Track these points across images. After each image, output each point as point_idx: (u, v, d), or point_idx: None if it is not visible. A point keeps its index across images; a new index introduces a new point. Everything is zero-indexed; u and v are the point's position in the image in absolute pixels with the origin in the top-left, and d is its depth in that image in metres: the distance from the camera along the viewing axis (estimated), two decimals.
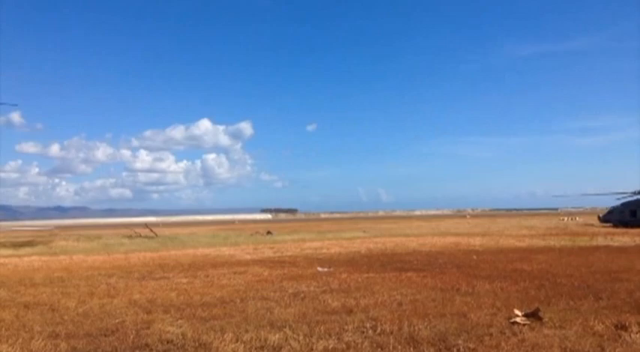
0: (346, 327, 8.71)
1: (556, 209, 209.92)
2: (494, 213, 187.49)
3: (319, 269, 17.02)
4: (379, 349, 7.44)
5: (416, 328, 8.50)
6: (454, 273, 15.25)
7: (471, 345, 7.47)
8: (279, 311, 10.25)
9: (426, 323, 8.80)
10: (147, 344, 8.01)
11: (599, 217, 57.45)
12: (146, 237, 45.90)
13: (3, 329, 9.15)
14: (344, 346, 7.63)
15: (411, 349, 7.38)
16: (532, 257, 19.80)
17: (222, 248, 29.58)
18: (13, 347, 7.78)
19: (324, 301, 11.24)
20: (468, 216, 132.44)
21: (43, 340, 8.20)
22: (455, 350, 7.29)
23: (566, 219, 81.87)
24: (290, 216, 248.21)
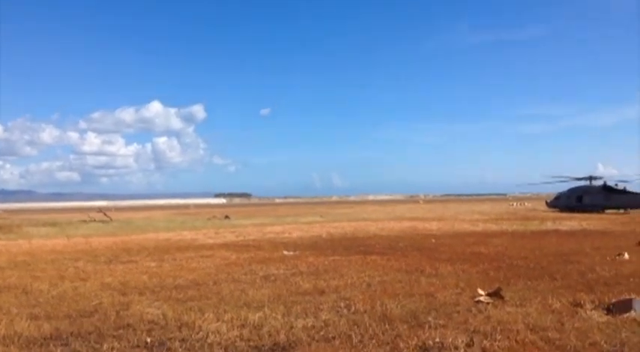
0: (321, 307, 9.11)
1: (504, 194, 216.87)
2: (446, 199, 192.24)
3: (285, 252, 17.38)
4: (355, 326, 7.85)
5: (387, 307, 8.97)
6: (416, 256, 15.88)
7: (441, 322, 7.98)
8: (253, 292, 10.55)
9: (396, 303, 9.28)
10: (129, 324, 8.20)
11: (546, 202, 59.89)
12: (101, 221, 45.14)
13: None
14: (322, 324, 8.02)
15: (386, 326, 7.82)
16: (488, 240, 20.72)
17: (183, 232, 29.54)
18: None
19: (295, 283, 11.60)
20: (421, 201, 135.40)
21: (24, 321, 8.27)
22: (427, 326, 7.77)
23: (515, 204, 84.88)
24: (245, 201, 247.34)
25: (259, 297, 10.04)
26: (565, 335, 7.08)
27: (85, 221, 43.32)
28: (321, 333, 7.53)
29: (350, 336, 7.32)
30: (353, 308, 8.97)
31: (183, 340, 7.33)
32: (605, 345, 6.61)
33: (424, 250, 17.57)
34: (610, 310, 8.34)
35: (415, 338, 7.08)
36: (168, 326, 8.08)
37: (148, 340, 7.36)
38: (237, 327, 7.90)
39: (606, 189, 51.86)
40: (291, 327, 7.83)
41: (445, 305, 9.10)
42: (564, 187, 57.48)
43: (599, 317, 8.08)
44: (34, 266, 14.68)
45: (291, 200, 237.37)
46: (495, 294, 9.65)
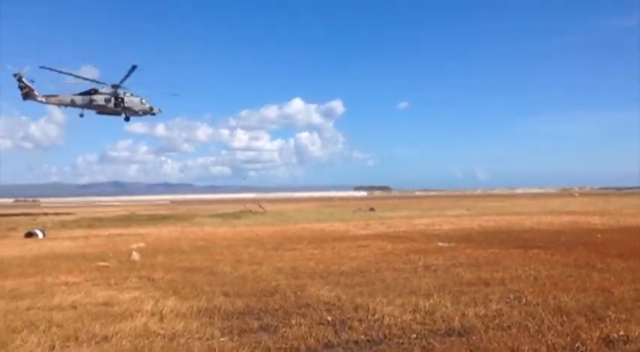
0: (490, 297, 9.15)
1: None
2: (604, 192, 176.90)
3: (440, 244, 17.45)
4: (530, 317, 7.81)
5: (561, 300, 8.78)
6: (582, 251, 15.10)
7: (623, 316, 7.67)
8: (416, 281, 10.84)
9: (570, 296, 9.03)
10: (308, 304, 8.93)
11: None
12: (255, 212, 48.21)
13: (179, 287, 10.48)
14: (494, 313, 8.10)
15: (563, 318, 7.69)
16: None
17: (334, 223, 30.69)
18: (200, 303, 8.98)
19: (457, 274, 11.70)
20: (576, 195, 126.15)
21: (219, 297, 9.39)
22: (607, 320, 7.52)
23: None
24: (385, 194, 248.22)
25: (424, 286, 10.31)
26: None
27: (243, 211, 46.56)
28: (496, 322, 7.63)
29: (526, 326, 7.34)
30: (524, 300, 8.91)
31: (360, 320, 7.85)
32: None
33: (590, 245, 16.61)
34: None
35: (598, 331, 6.92)
36: (344, 307, 8.66)
37: (329, 318, 7.99)
38: (410, 312, 8.25)
39: None
40: (464, 314, 8.00)
41: (624, 301, 8.69)
42: None
43: None
44: (213, 251, 16.35)
45: (432, 193, 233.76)
46: None
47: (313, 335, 7.10)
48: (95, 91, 45.96)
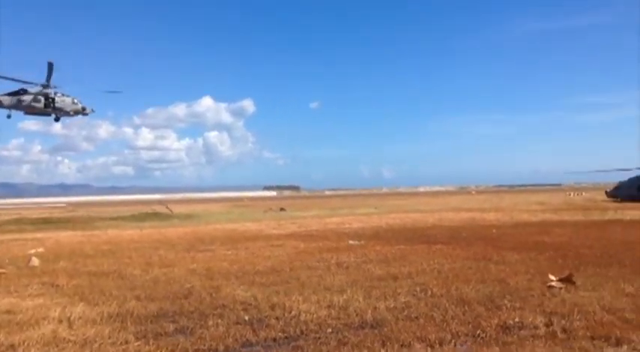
0: (399, 291, 9.67)
1: (559, 184, 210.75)
2: (499, 190, 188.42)
3: (351, 242, 17.98)
4: (435, 308, 8.36)
5: (463, 291, 9.45)
6: (481, 245, 16.18)
7: (518, 304, 8.40)
8: (330, 278, 11.18)
9: (470, 287, 9.73)
10: (224, 305, 8.98)
11: (606, 192, 58.22)
12: (162, 214, 46.93)
13: (86, 292, 10.14)
14: (403, 305, 8.59)
15: (465, 308, 8.30)
16: (550, 230, 20.73)
17: (246, 223, 30.60)
18: (111, 308, 8.75)
19: (367, 270, 12.19)
20: (473, 192, 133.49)
21: (131, 301, 9.20)
22: (504, 308, 8.21)
23: (572, 194, 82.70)
24: (295, 193, 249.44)
25: (337, 282, 10.67)
26: None
27: (149, 213, 45.16)
28: (405, 313, 8.10)
29: (432, 316, 7.86)
30: (429, 292, 9.48)
31: (277, 318, 8.04)
32: None
33: (487, 239, 17.83)
34: None
35: (496, 319, 7.55)
36: (261, 306, 8.80)
37: (246, 318, 8.10)
38: (325, 307, 8.54)
39: None
40: (375, 308, 8.42)
41: (518, 290, 9.48)
42: (621, 178, 55.85)
43: None
44: (120, 254, 15.84)
45: (341, 192, 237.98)
46: (567, 280, 9.94)
47: (231, 335, 7.19)
48: (24, 91, 43.58)
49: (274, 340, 7.03)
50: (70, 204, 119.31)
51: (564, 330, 6.92)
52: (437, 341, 6.68)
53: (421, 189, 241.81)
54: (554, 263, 12.45)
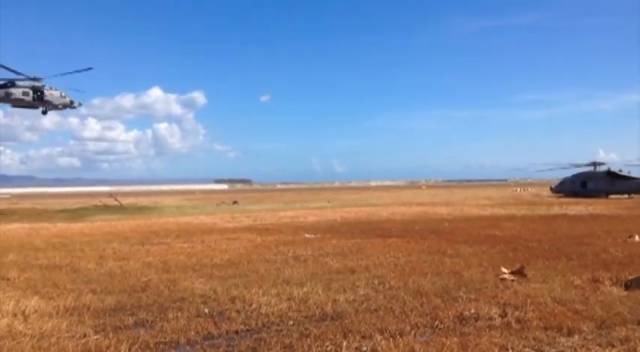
0: (357, 284, 9.79)
1: (505, 180, 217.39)
2: (448, 184, 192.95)
3: (307, 235, 18.06)
4: (394, 300, 8.52)
5: (419, 284, 9.65)
6: (434, 239, 16.55)
7: (473, 296, 8.65)
8: (288, 271, 11.22)
9: (427, 280, 9.96)
10: (183, 298, 8.89)
11: (551, 188, 60.49)
12: (112, 206, 45.81)
13: (39, 286, 9.84)
14: (362, 298, 8.71)
15: (422, 299, 8.50)
16: (499, 224, 21.40)
17: (200, 216, 30.28)
18: (66, 301, 8.52)
19: (325, 263, 12.29)
20: (423, 187, 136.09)
21: (87, 295, 8.98)
22: (460, 300, 8.45)
23: (519, 189, 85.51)
24: (246, 187, 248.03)
25: (296, 275, 10.72)
26: (590, 307, 7.74)
27: (98, 206, 44.03)
28: (364, 305, 8.22)
29: (391, 308, 8.00)
30: (387, 285, 9.65)
31: (238, 311, 8.02)
32: (628, 315, 7.26)
33: (440, 233, 18.25)
34: (628, 286, 9.01)
35: (453, 310, 7.76)
36: (221, 299, 8.76)
37: (207, 311, 8.05)
38: (285, 300, 8.57)
39: (610, 174, 52.41)
40: (335, 300, 8.50)
41: (473, 282, 9.76)
42: (564, 174, 58.23)
43: (619, 292, 8.75)
44: (72, 248, 15.41)
45: (293, 186, 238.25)
46: (518, 272, 10.31)
47: (192, 327, 7.13)
48: (12, 84, 42.99)
49: (236, 332, 7.01)
50: (13, 195, 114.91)
51: (518, 321, 7.18)
52: (397, 332, 6.80)
53: (373, 184, 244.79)
54: (505, 256, 12.87)
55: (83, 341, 6.59)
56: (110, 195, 56.14)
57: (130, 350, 6.31)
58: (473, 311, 7.72)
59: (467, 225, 21.18)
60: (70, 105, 47.11)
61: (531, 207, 33.61)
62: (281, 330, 7.04)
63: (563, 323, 6.91)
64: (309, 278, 10.32)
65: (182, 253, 14.09)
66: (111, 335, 6.77)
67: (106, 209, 41.74)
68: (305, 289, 9.27)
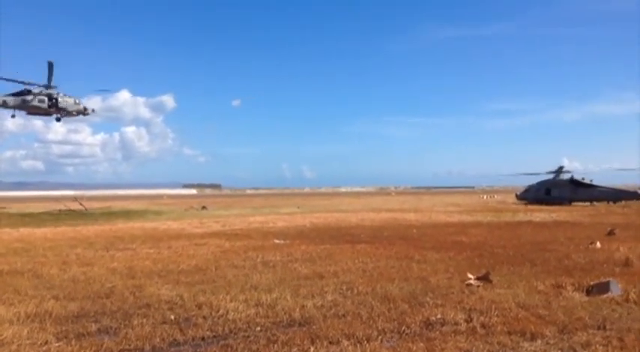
0: (325, 289, 9.80)
1: (472, 187, 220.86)
2: (417, 191, 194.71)
3: (276, 241, 18.00)
4: (362, 305, 8.56)
5: (387, 289, 9.71)
6: (402, 245, 16.69)
7: (439, 301, 8.75)
8: (257, 277, 11.16)
9: (394, 286, 10.03)
10: (149, 304, 8.75)
11: (516, 195, 61.60)
12: (76, 211, 44.89)
13: (0, 292, 9.56)
14: (330, 303, 8.72)
15: (390, 305, 8.55)
16: (466, 230, 21.70)
17: (167, 222, 29.88)
18: (28, 308, 8.29)
19: (294, 269, 12.26)
20: (392, 193, 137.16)
21: (49, 301, 8.76)
22: (426, 305, 8.54)
23: (485, 196, 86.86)
24: (216, 192, 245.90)
25: (264, 281, 10.67)
26: (553, 312, 7.92)
27: (62, 210, 43.09)
28: (332, 311, 8.23)
29: (359, 314, 8.03)
30: (355, 291, 9.68)
31: (205, 317, 7.94)
32: (589, 320, 7.44)
33: (408, 239, 18.41)
34: (590, 291, 9.23)
35: (419, 315, 7.83)
36: (187, 305, 8.66)
37: (172, 317, 7.94)
38: (253, 306, 8.53)
39: (573, 182, 53.68)
40: (303, 306, 8.49)
41: (439, 288, 9.87)
42: (529, 181, 59.46)
43: (580, 297, 8.96)
44: (35, 253, 15.03)
45: (262, 191, 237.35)
46: (484, 278, 10.47)
47: (158, 334, 7.02)
48: (28, 92, 43.92)
49: (203, 339, 6.94)
50: None
51: (483, 326, 7.28)
52: (364, 338, 6.83)
53: (342, 190, 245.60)
54: (471, 262, 13.05)
55: (44, 348, 6.44)
56: (75, 199, 54.99)
57: None
58: (439, 316, 7.81)
59: (434, 232, 21.42)
60: (84, 112, 47.83)
61: (497, 214, 34.19)
62: (248, 336, 6.99)
63: (526, 328, 7.04)
64: (277, 284, 10.29)
65: (148, 259, 13.88)
66: (73, 343, 6.64)
67: (71, 213, 40.90)
68: (273, 295, 9.24)
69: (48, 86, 44.58)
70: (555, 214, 33.37)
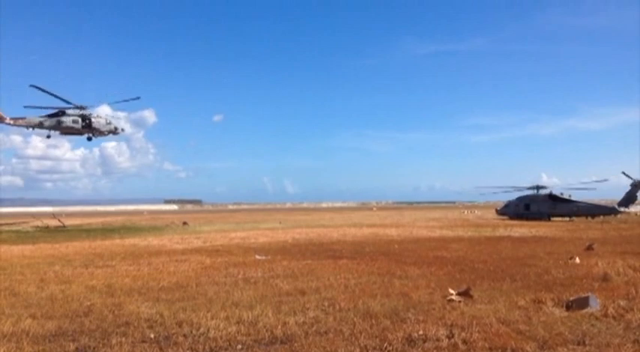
0: (307, 306, 9.76)
1: (453, 202, 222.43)
2: (399, 206, 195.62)
3: (257, 257, 17.90)
4: (343, 322, 8.54)
5: (369, 305, 9.71)
6: (384, 260, 16.71)
7: (421, 317, 8.77)
8: (238, 294, 11.08)
9: (376, 302, 10.02)
10: (128, 322, 8.63)
11: (496, 210, 62.24)
12: (54, 227, 44.26)
13: None
14: (312, 320, 8.68)
15: (372, 321, 8.54)
16: (447, 246, 21.80)
17: (147, 237, 29.56)
18: (4, 327, 8.13)
19: (275, 285, 12.19)
20: (374, 208, 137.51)
21: (26, 320, 8.60)
22: (408, 321, 8.54)
23: (466, 211, 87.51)
24: (197, 207, 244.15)
25: (246, 298, 10.59)
26: (533, 327, 7.98)
27: (40, 227, 42.43)
28: (314, 328, 8.19)
29: (341, 330, 8.01)
30: (337, 307, 9.65)
31: (185, 335, 7.85)
32: (569, 335, 7.52)
33: (390, 255, 18.43)
34: (569, 306, 9.32)
35: (401, 332, 7.83)
36: (167, 323, 8.56)
37: (152, 336, 7.84)
38: (234, 324, 8.46)
39: (552, 197, 54.43)
40: (285, 323, 8.45)
41: (421, 304, 9.89)
42: (508, 197, 60.15)
43: (560, 312, 9.04)
44: (11, 271, 14.75)
45: (244, 206, 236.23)
46: (465, 293, 10.52)
47: None
48: (63, 113, 45.60)
49: None
50: None
51: (465, 342, 7.31)
52: None
53: (324, 205, 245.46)
54: (452, 277, 13.11)
55: None
56: (53, 215, 54.26)
57: None
58: (421, 332, 7.81)
59: (416, 247, 21.49)
60: (115, 131, 49.34)
61: (478, 229, 34.44)
62: None
63: (507, 343, 7.08)
64: (258, 301, 10.23)
65: (128, 276, 13.70)
66: None
67: (49, 230, 40.30)
68: (255, 312, 9.18)
69: (81, 107, 45.83)
70: (535, 229, 33.71)
